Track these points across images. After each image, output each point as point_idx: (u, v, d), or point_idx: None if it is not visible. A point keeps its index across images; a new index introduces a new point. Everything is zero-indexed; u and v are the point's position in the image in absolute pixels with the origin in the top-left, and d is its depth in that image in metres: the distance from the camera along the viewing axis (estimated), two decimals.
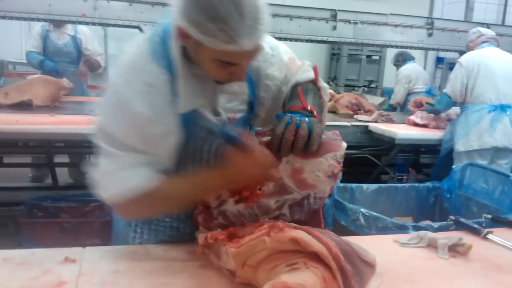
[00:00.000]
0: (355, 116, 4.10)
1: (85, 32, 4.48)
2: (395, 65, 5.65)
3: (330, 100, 4.35)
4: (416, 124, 3.85)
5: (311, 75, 1.33)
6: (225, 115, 1.26)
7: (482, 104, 3.37)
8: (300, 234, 0.98)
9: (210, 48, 1.03)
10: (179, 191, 1.16)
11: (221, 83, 1.19)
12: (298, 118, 1.13)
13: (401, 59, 5.50)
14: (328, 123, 3.73)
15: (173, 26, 1.09)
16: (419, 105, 4.27)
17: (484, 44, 3.55)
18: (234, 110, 1.29)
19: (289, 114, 1.15)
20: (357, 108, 4.26)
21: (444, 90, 3.63)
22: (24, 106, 3.29)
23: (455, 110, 3.82)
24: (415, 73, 5.39)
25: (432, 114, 3.84)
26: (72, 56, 4.47)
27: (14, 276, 1.05)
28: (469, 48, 3.64)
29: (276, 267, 0.98)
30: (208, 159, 1.23)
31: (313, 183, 1.15)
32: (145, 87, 1.10)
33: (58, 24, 4.31)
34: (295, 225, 1.06)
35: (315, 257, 0.97)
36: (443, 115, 3.86)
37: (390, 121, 3.97)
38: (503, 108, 3.37)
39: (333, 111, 4.34)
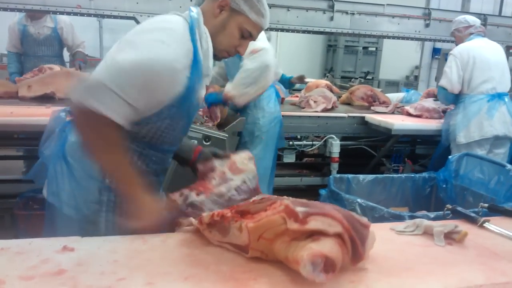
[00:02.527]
0: (372, 108, 4.11)
1: (65, 22, 4.35)
2: None
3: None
4: (410, 115, 3.88)
5: None
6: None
7: (480, 95, 3.39)
8: (320, 224, 1.05)
9: (242, 17, 1.42)
10: (113, 157, 1.29)
11: (218, 59, 1.49)
12: None
13: None
14: (334, 114, 3.76)
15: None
16: (432, 96, 4.29)
17: (472, 35, 3.54)
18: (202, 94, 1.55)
19: None
20: (372, 100, 4.26)
21: (439, 84, 3.58)
22: (46, 99, 3.32)
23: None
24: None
25: (425, 105, 3.88)
26: (54, 48, 4.35)
27: (12, 265, 1.05)
28: (456, 38, 3.65)
29: (296, 238, 1.06)
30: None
31: (242, 167, 1.54)
32: (181, 39, 1.32)
33: (35, 15, 4.16)
34: (305, 201, 1.13)
35: None
36: (433, 105, 3.89)
37: (405, 113, 3.96)
38: (500, 96, 3.40)
39: (348, 103, 4.34)
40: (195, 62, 1.35)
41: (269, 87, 3.04)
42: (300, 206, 1.07)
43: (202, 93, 1.51)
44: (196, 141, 1.73)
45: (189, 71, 1.33)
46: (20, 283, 0.98)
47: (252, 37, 1.47)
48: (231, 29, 1.43)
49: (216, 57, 1.48)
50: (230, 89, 2.75)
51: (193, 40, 1.35)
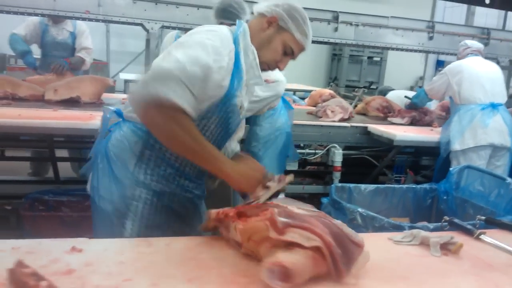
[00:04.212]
0: (388, 119, 4.15)
1: (82, 28, 4.45)
2: None
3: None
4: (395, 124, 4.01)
5: None
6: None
7: (473, 104, 3.51)
8: (297, 237, 1.10)
9: (288, 35, 1.53)
10: (193, 137, 1.36)
11: (265, 69, 1.58)
12: None
13: (382, 94, 5.44)
14: (337, 123, 3.80)
15: (265, 15, 1.54)
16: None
17: (469, 55, 3.77)
18: (244, 107, 1.62)
19: None
20: (387, 111, 4.30)
21: (424, 87, 3.93)
22: (72, 102, 3.41)
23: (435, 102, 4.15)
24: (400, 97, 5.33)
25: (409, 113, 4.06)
26: (69, 50, 4.43)
27: None
28: (458, 58, 3.89)
29: (275, 246, 1.12)
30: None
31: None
32: (224, 40, 1.44)
33: (57, 20, 4.27)
34: (295, 212, 1.17)
35: None
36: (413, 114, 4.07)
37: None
38: (494, 106, 3.50)
39: (363, 113, 4.39)
40: (237, 65, 1.46)
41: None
42: (284, 216, 1.13)
43: (245, 102, 1.60)
44: None
45: (230, 73, 1.44)
46: None
47: (293, 55, 1.58)
48: (276, 44, 1.54)
49: (263, 69, 1.58)
50: None
51: (236, 45, 1.47)
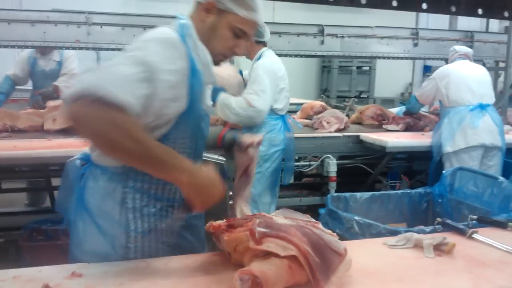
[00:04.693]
0: (383, 126, 4.21)
1: (69, 54, 4.50)
2: None
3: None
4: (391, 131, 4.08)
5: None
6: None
7: (461, 106, 3.57)
8: (272, 247, 1.13)
9: (231, 16, 1.38)
10: (141, 139, 1.18)
11: (216, 63, 1.44)
12: None
13: None
14: (329, 134, 3.85)
15: (198, 4, 1.41)
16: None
17: (457, 59, 3.86)
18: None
19: None
20: (382, 119, 4.36)
21: (415, 93, 4.05)
22: (71, 131, 3.38)
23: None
24: None
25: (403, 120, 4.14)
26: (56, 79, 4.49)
27: None
28: (447, 62, 3.99)
29: (256, 256, 1.17)
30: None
31: None
32: (172, 51, 1.30)
33: (44, 51, 4.36)
34: (272, 220, 1.22)
35: None
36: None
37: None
38: (482, 106, 3.57)
39: (358, 122, 4.44)
40: (193, 68, 1.32)
41: (276, 118, 3.18)
42: (264, 226, 1.16)
43: (208, 102, 1.52)
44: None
45: (188, 77, 1.31)
46: None
47: (247, 35, 1.42)
48: (222, 30, 1.40)
49: (214, 62, 1.45)
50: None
51: (186, 46, 1.34)
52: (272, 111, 3.17)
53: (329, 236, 1.22)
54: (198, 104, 1.37)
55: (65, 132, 3.40)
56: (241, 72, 3.39)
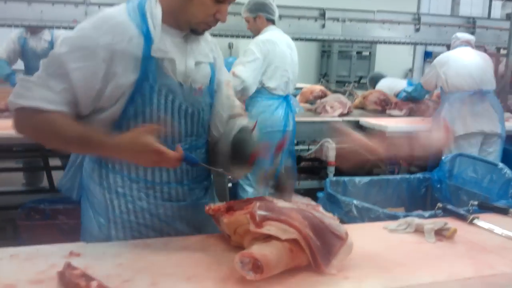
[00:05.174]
0: (387, 112, 4.20)
1: (59, 33, 4.41)
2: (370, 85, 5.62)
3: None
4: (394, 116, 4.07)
5: (250, 125, 1.53)
6: (193, 84, 1.39)
7: (461, 92, 3.57)
8: (273, 230, 1.12)
9: None
10: (62, 127, 1.25)
11: (199, 33, 1.36)
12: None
13: (374, 80, 5.44)
14: (329, 119, 3.82)
15: None
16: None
17: (458, 46, 3.84)
18: (201, 82, 1.41)
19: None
20: (385, 104, 4.34)
21: (420, 81, 4.07)
22: None
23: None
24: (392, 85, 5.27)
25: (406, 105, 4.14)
26: None
27: (22, 271, 1.10)
28: (450, 49, 3.98)
29: (256, 239, 1.15)
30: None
31: None
32: (110, 28, 1.26)
33: (35, 30, 4.29)
34: (272, 202, 1.20)
35: None
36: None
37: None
38: (482, 93, 3.56)
39: (361, 107, 4.42)
40: (148, 39, 1.26)
41: (277, 97, 3.13)
42: (264, 210, 1.15)
43: (193, 74, 1.39)
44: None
45: (140, 51, 1.26)
46: (30, 287, 1.03)
47: (224, 1, 1.29)
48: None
49: (197, 32, 1.36)
50: None
51: (144, 19, 1.28)
52: (265, 90, 3.14)
53: (330, 220, 1.20)
54: (156, 77, 1.28)
55: None
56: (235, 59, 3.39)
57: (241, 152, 1.40)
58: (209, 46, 1.48)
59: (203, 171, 1.48)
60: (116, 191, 1.38)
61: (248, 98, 3.14)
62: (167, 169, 1.38)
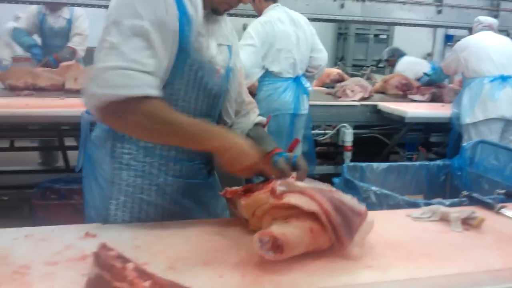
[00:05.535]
0: (409, 96, 4.11)
1: (79, 12, 4.40)
2: (386, 60, 5.47)
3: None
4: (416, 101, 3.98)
5: (263, 120, 1.56)
6: (215, 65, 1.36)
7: (482, 77, 3.47)
8: (294, 200, 1.09)
9: None
10: (172, 120, 1.17)
11: (220, 12, 1.33)
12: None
13: (396, 55, 5.30)
14: (346, 103, 3.77)
15: None
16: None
17: (480, 30, 3.75)
18: (220, 65, 1.38)
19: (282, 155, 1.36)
20: (406, 88, 4.25)
21: (441, 64, 3.97)
22: None
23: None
24: (412, 66, 5.13)
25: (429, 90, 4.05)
26: (67, 37, 4.39)
27: (37, 251, 1.08)
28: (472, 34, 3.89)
29: (275, 219, 1.12)
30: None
31: None
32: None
33: (54, 7, 4.25)
34: (293, 182, 1.17)
35: (307, 211, 1.09)
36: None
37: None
38: (504, 78, 3.45)
39: (382, 92, 4.33)
40: (182, 10, 1.20)
41: (284, 79, 3.05)
42: (284, 186, 1.12)
43: (219, 56, 1.37)
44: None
45: (177, 26, 1.19)
46: (45, 268, 1.00)
47: None
48: None
49: (217, 12, 1.33)
50: None
51: None
52: (271, 73, 3.06)
53: (349, 199, 1.16)
54: (191, 51, 1.24)
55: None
56: None
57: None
58: (228, 28, 1.45)
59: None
60: (128, 163, 1.32)
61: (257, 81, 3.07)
62: (182, 148, 1.34)
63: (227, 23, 1.46)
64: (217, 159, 1.23)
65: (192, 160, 1.39)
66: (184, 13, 1.20)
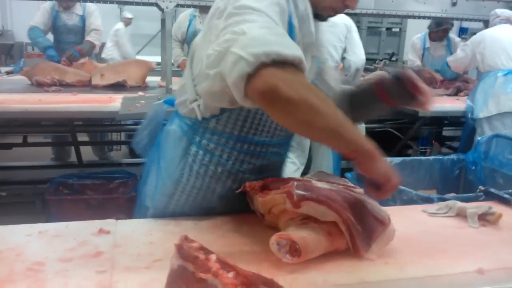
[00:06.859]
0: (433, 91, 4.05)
1: (91, 8, 4.42)
2: None
3: None
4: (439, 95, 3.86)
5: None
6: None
7: (495, 71, 3.43)
8: (311, 211, 1.07)
9: None
10: (329, 109, 0.96)
11: (323, 18, 1.24)
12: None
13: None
14: None
15: None
16: None
17: (497, 23, 3.67)
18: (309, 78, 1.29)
19: None
20: (429, 82, 4.20)
21: (447, 59, 3.85)
22: (118, 87, 3.45)
23: None
24: None
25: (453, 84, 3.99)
26: (80, 34, 4.42)
27: (51, 248, 1.08)
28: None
29: (292, 219, 1.11)
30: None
31: None
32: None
33: (68, 4, 4.27)
34: (312, 184, 1.13)
35: None
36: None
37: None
38: None
39: None
40: (289, 22, 1.11)
41: None
42: (302, 189, 1.07)
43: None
44: None
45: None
46: (59, 265, 1.00)
47: None
48: None
49: (320, 17, 1.23)
50: None
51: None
52: None
53: (373, 203, 1.14)
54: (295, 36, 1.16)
55: (112, 88, 3.42)
56: None
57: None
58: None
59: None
60: (199, 168, 1.27)
61: None
62: (250, 162, 1.29)
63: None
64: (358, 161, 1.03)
65: (277, 153, 1.35)
66: (290, 23, 1.13)
